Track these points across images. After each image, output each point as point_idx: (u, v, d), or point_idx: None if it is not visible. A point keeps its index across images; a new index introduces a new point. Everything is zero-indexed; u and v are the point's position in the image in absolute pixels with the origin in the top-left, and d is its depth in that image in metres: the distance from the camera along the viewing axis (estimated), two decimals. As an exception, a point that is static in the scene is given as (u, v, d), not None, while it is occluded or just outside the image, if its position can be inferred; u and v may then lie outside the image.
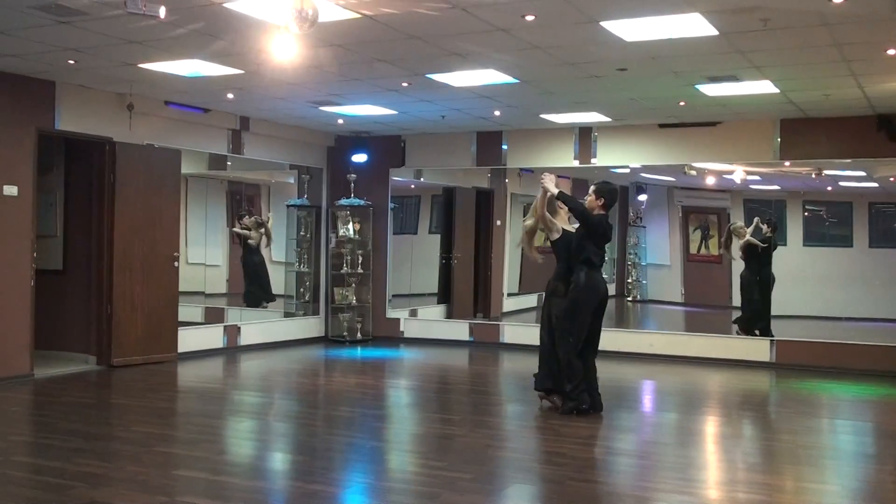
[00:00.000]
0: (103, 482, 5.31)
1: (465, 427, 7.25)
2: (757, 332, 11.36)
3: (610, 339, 11.50)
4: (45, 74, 8.77)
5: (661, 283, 16.21)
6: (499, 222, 14.32)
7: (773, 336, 11.06)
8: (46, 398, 8.20)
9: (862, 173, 12.45)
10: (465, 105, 10.07)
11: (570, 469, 5.89)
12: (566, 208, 7.72)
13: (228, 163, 11.87)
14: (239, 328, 11.52)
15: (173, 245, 10.29)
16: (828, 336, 11.01)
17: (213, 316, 12.09)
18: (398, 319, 12.93)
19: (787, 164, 11.16)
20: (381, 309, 12.91)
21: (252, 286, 13.05)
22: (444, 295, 13.87)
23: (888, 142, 10.05)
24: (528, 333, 11.22)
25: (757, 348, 10.90)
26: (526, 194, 12.68)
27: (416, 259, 14.28)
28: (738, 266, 12.47)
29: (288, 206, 13.02)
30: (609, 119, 10.97)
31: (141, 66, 8.21)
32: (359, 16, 6.32)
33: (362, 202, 12.58)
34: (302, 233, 12.86)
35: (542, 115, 10.79)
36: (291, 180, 13.14)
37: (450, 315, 13.58)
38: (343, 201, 12.56)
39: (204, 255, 12.38)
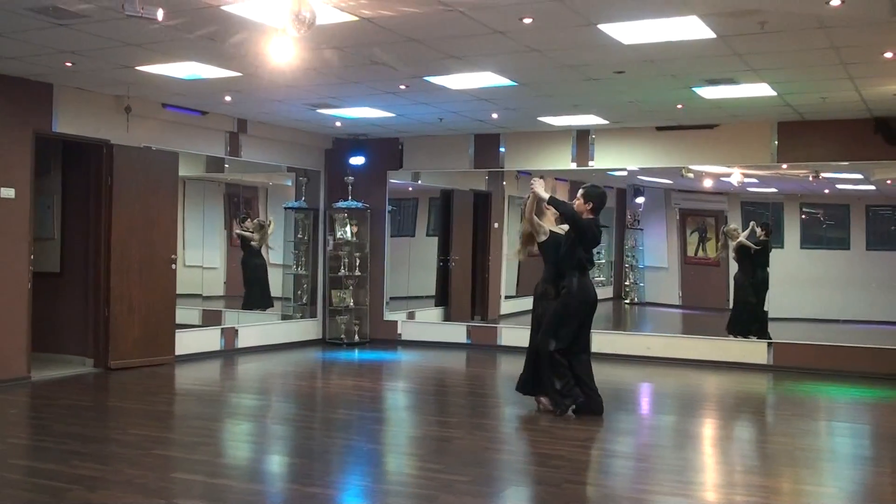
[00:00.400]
0: (100, 485, 5.31)
1: (463, 429, 7.25)
2: (753, 335, 11.36)
3: (607, 341, 11.58)
4: (43, 77, 8.77)
5: (658, 285, 16.20)
6: (496, 225, 14.32)
7: (770, 338, 11.07)
8: (43, 401, 8.19)
9: (859, 176, 12.46)
10: (462, 108, 10.08)
11: (567, 471, 5.89)
12: (552, 210, 7.74)
13: (226, 165, 11.86)
14: (236, 330, 11.52)
15: (171, 247, 10.28)
16: (825, 338, 11.02)
17: (210, 318, 12.08)
18: (396, 322, 12.93)
19: (784, 166, 11.18)
20: (379, 311, 12.91)
21: (253, 288, 13.03)
22: (442, 297, 13.86)
23: (885, 144, 10.07)
24: (525, 336, 11.04)
25: (754, 351, 10.91)
26: (523, 197, 12.67)
27: (413, 261, 14.27)
28: (735, 268, 12.49)
29: (285, 208, 13.02)
30: (606, 122, 10.99)
31: (138, 68, 8.21)
32: (356, 18, 6.32)
33: (360, 205, 12.58)
34: (299, 235, 12.86)
35: (540, 118, 10.80)
36: (289, 183, 13.14)
37: (447, 318, 13.57)
38: (341, 204, 12.57)
39: (201, 258, 12.37)
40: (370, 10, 6.13)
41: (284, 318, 12.85)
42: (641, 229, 16.43)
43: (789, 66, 7.70)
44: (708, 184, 13.78)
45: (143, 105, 9.83)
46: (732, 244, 12.13)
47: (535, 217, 7.75)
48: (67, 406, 7.89)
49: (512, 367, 10.78)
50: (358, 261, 12.61)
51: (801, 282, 13.68)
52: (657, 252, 16.24)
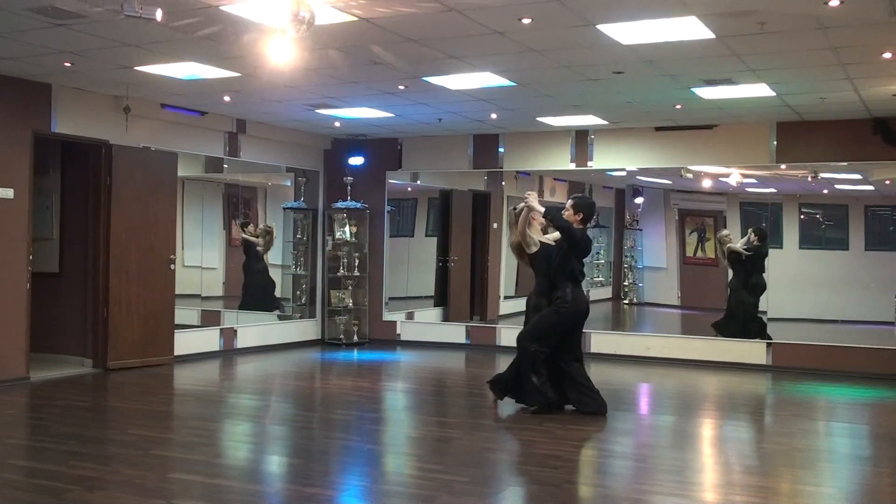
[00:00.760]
0: (99, 485, 5.30)
1: (462, 430, 7.25)
2: (749, 338, 11.39)
3: (607, 342, 11.60)
4: (42, 77, 8.77)
5: (657, 286, 16.19)
6: (495, 225, 14.31)
7: (769, 339, 11.07)
8: (42, 401, 8.18)
9: (858, 176, 12.46)
10: (461, 108, 10.08)
11: (566, 472, 5.89)
12: (538, 220, 7.82)
13: (225, 165, 11.85)
14: (235, 331, 11.52)
15: (170, 248, 10.28)
16: (824, 339, 11.02)
17: (209, 319, 12.08)
18: (395, 322, 12.93)
19: (783, 167, 11.18)
20: (378, 312, 12.91)
21: (257, 293, 13.01)
22: (441, 298, 13.86)
23: (884, 145, 10.08)
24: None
25: (753, 351, 10.92)
26: (522, 197, 12.66)
27: (412, 262, 14.27)
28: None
29: (284, 208, 13.02)
30: (605, 122, 10.99)
31: (137, 68, 8.21)
32: (355, 19, 6.32)
33: (359, 205, 12.58)
34: (298, 235, 12.86)
35: (539, 118, 10.80)
36: (288, 183, 13.14)
37: (446, 318, 13.57)
38: (340, 204, 12.56)
39: (200, 258, 12.36)
40: (369, 10, 6.13)
41: (283, 318, 12.84)
42: (640, 230, 16.42)
43: (788, 66, 7.70)
44: (707, 184, 13.78)
45: (142, 105, 9.82)
46: (723, 249, 12.35)
47: (527, 230, 7.83)
48: (66, 406, 7.89)
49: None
50: (357, 261, 12.62)
51: (799, 282, 13.68)
52: (656, 252, 16.23)
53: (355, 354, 11.93)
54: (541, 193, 13.97)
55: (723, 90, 8.74)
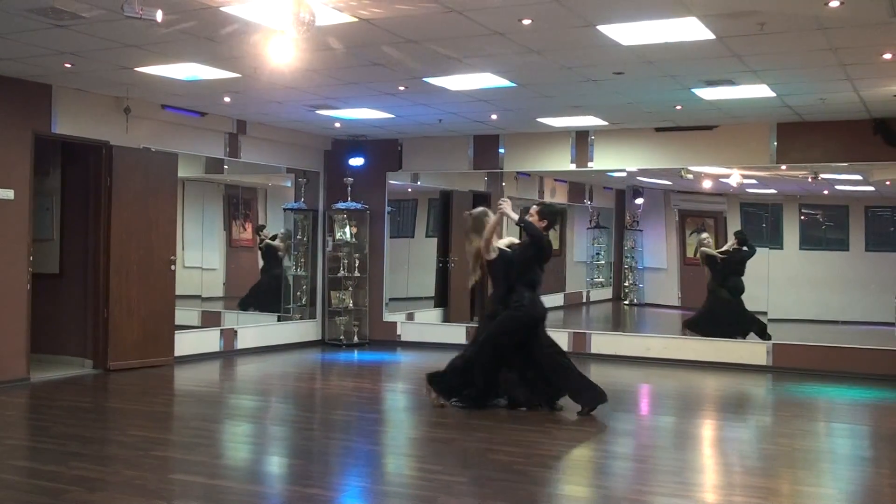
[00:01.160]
0: (99, 486, 5.31)
1: (462, 430, 7.25)
2: (739, 336, 11.43)
3: (607, 342, 11.60)
4: (42, 78, 8.77)
5: (657, 286, 16.20)
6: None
7: (770, 339, 11.07)
8: (43, 402, 8.19)
9: (858, 177, 12.47)
10: (462, 109, 10.08)
11: (566, 472, 5.88)
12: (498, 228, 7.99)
13: (225, 166, 11.86)
14: (235, 332, 11.52)
15: (170, 249, 10.27)
16: (824, 339, 11.02)
17: (209, 320, 12.08)
18: (395, 323, 12.92)
19: (783, 167, 11.18)
20: (378, 312, 12.91)
21: (270, 295, 13.03)
22: (441, 298, 13.86)
23: (884, 145, 10.07)
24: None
25: (754, 352, 10.91)
26: (522, 198, 12.68)
27: (412, 262, 14.27)
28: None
29: (285, 209, 13.02)
30: (606, 122, 10.99)
31: (138, 69, 8.21)
32: (356, 20, 6.32)
33: (359, 206, 12.58)
34: (299, 236, 12.86)
35: (539, 119, 10.80)
36: (288, 184, 13.14)
37: (446, 318, 13.56)
38: (340, 205, 12.56)
39: (201, 259, 12.37)
40: (369, 11, 6.13)
41: (283, 319, 12.84)
42: (641, 230, 16.43)
43: (788, 67, 7.70)
44: (707, 185, 13.79)
45: (143, 106, 9.83)
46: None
47: (493, 237, 7.87)
48: (66, 407, 7.89)
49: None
50: (357, 262, 12.62)
51: (800, 283, 13.68)
52: (656, 253, 16.24)
53: (355, 355, 11.93)
54: (541, 194, 13.99)
55: (723, 91, 8.74)
